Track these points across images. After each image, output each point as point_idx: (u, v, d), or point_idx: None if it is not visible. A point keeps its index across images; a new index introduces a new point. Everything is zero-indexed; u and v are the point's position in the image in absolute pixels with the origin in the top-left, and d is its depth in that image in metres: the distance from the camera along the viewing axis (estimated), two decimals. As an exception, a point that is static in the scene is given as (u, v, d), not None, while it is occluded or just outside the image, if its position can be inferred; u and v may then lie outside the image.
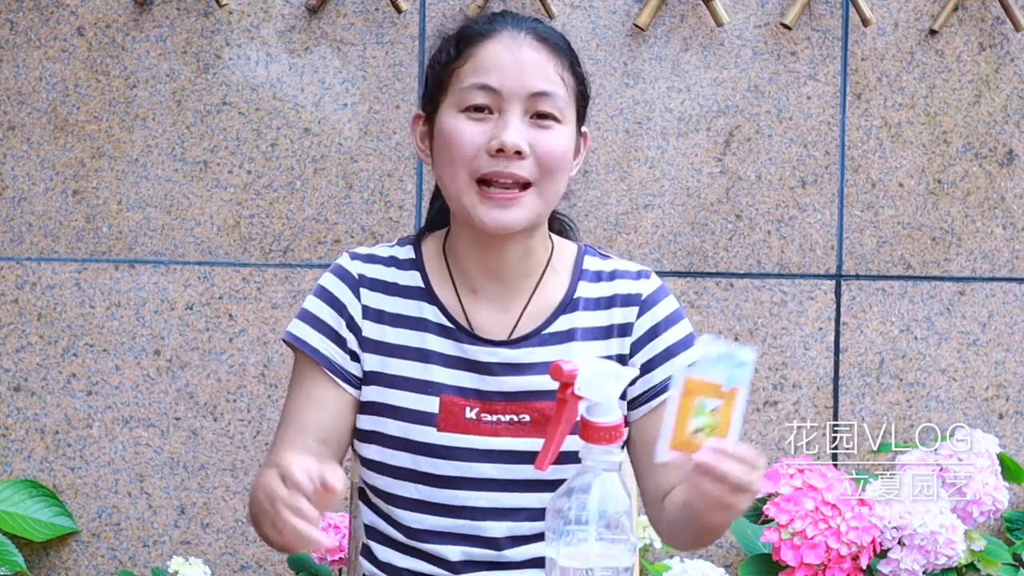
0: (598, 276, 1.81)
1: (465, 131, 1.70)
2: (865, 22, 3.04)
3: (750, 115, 3.06)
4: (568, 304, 1.78)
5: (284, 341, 1.81)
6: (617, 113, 3.03)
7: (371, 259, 1.82)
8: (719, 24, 3.01)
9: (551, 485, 1.68)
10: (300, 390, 1.79)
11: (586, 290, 1.80)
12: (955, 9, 3.08)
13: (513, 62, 1.70)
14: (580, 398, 1.31)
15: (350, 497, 1.99)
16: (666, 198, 3.05)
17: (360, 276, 1.80)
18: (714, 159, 3.06)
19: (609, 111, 3.03)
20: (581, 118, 1.80)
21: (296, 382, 1.81)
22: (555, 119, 1.72)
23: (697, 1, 3.02)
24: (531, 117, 1.71)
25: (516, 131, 1.69)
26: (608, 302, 1.79)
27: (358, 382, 1.78)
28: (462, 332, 1.77)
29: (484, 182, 1.70)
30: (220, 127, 2.97)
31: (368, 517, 1.86)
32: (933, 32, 3.09)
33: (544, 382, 1.74)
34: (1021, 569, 2.84)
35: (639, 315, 1.78)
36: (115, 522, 2.99)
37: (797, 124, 3.08)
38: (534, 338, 1.77)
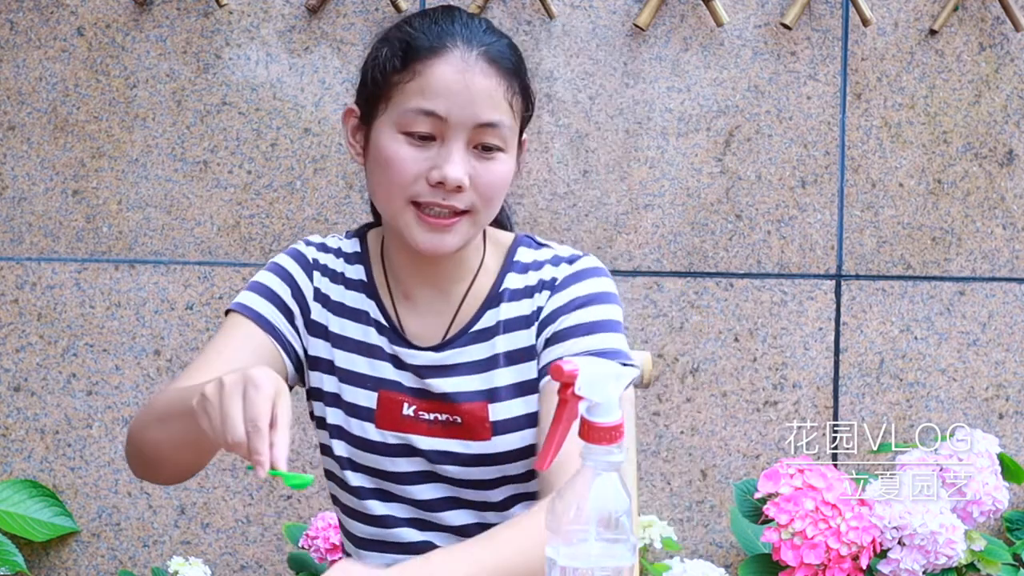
0: (526, 267, 1.77)
1: (405, 157, 1.64)
2: (865, 22, 3.04)
3: (750, 115, 3.06)
4: (494, 299, 1.75)
5: (227, 312, 1.76)
6: (617, 113, 3.03)
7: (323, 248, 1.81)
8: (719, 24, 3.01)
9: (493, 484, 1.70)
10: (227, 339, 1.72)
11: (513, 281, 1.76)
12: (955, 9, 3.08)
13: (462, 89, 1.63)
14: (580, 398, 1.31)
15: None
16: (666, 198, 3.05)
17: (314, 260, 1.79)
18: (714, 159, 3.06)
19: (609, 111, 3.03)
20: (525, 126, 1.73)
21: (223, 334, 1.73)
22: (499, 149, 1.66)
23: (697, 1, 3.02)
24: (474, 147, 1.65)
25: (458, 163, 1.63)
26: (530, 291, 1.75)
27: (296, 358, 1.76)
28: (395, 334, 1.76)
29: (419, 204, 1.66)
30: (220, 127, 2.97)
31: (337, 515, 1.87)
32: (933, 32, 3.09)
33: (471, 382, 1.73)
34: (1021, 569, 2.84)
35: (548, 298, 1.74)
36: (115, 522, 2.99)
37: (797, 124, 3.08)
38: (461, 338, 1.75)
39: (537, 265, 1.76)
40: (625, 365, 1.64)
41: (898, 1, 3.09)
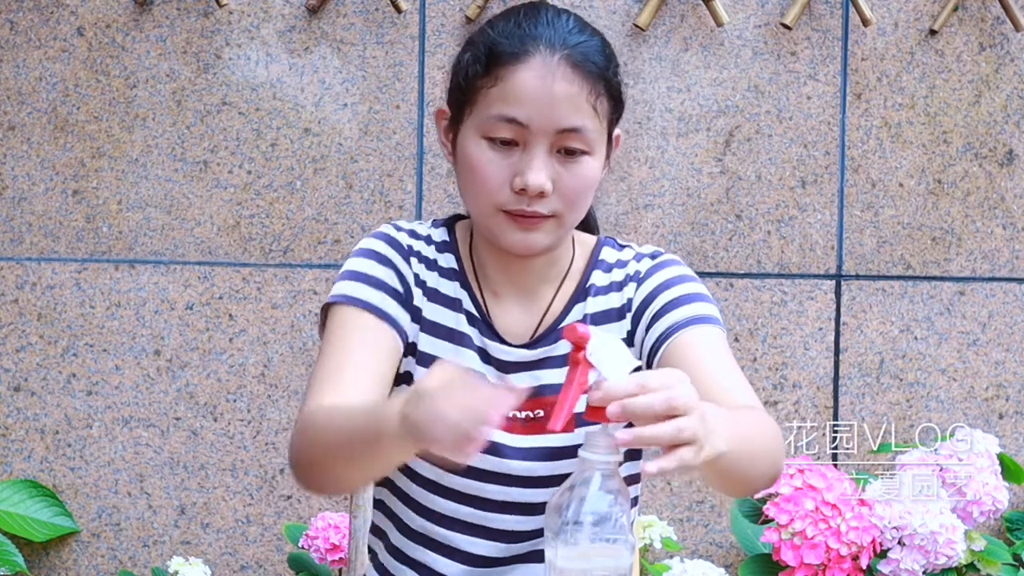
0: (611, 266, 1.80)
1: (488, 164, 1.65)
2: (865, 22, 3.04)
3: (750, 115, 3.06)
4: (580, 295, 1.77)
5: (327, 305, 1.72)
6: (617, 113, 3.03)
7: (414, 235, 1.79)
8: (719, 24, 3.01)
9: (559, 481, 1.67)
10: (351, 335, 1.69)
11: (598, 279, 1.78)
12: (955, 9, 3.08)
13: (544, 95, 1.63)
14: (591, 365, 1.28)
15: (350, 497, 1.99)
16: (666, 198, 3.05)
17: (409, 247, 1.77)
18: (714, 159, 3.06)
19: (609, 111, 3.03)
20: (613, 126, 1.73)
21: (343, 329, 1.69)
22: (583, 152, 1.66)
23: (697, 1, 3.02)
24: (557, 151, 1.65)
25: (540, 170, 1.63)
26: (618, 286, 1.78)
27: (405, 344, 1.74)
28: (486, 327, 1.76)
29: (506, 212, 1.67)
30: (220, 127, 2.97)
31: (382, 505, 1.84)
32: (933, 32, 3.09)
33: (557, 375, 1.72)
34: (1021, 569, 2.84)
35: (636, 289, 1.77)
36: (115, 522, 2.99)
37: (797, 124, 3.08)
38: (551, 335, 1.76)
39: (621, 263, 1.79)
40: (715, 326, 1.71)
41: (898, 1, 3.09)
